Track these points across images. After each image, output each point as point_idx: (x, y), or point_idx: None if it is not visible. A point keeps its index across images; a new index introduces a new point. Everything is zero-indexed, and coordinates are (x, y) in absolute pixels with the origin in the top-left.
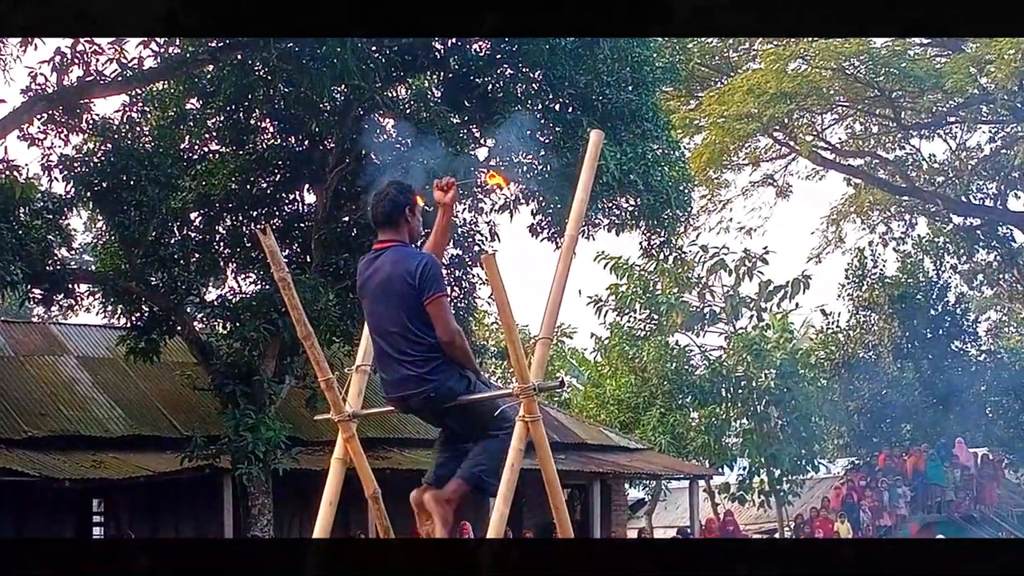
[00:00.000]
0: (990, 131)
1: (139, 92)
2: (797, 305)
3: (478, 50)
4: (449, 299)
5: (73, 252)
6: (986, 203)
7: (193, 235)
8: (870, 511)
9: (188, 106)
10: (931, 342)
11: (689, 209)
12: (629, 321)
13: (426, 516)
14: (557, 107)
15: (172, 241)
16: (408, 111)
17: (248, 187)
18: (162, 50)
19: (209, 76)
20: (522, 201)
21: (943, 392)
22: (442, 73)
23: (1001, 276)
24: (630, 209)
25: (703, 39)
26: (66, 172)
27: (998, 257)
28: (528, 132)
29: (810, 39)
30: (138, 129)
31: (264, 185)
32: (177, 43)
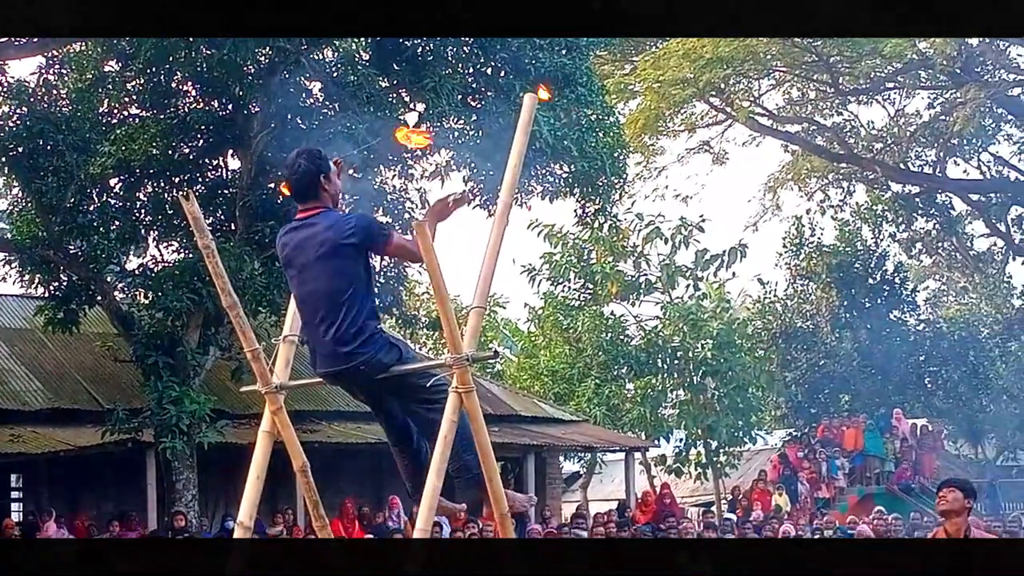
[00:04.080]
0: (929, 97)
1: (55, 54)
2: (734, 274)
3: None
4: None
5: None
6: (925, 170)
7: (113, 202)
8: (808, 483)
9: (107, 68)
10: (869, 311)
11: (624, 176)
12: (563, 291)
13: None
14: (489, 71)
15: (91, 208)
16: (335, 74)
17: (170, 152)
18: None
19: (128, 37)
20: (453, 168)
21: (881, 362)
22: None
23: (940, 245)
24: (564, 176)
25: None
26: None
27: (937, 225)
28: (459, 96)
29: None
30: (55, 92)
31: (186, 150)
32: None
